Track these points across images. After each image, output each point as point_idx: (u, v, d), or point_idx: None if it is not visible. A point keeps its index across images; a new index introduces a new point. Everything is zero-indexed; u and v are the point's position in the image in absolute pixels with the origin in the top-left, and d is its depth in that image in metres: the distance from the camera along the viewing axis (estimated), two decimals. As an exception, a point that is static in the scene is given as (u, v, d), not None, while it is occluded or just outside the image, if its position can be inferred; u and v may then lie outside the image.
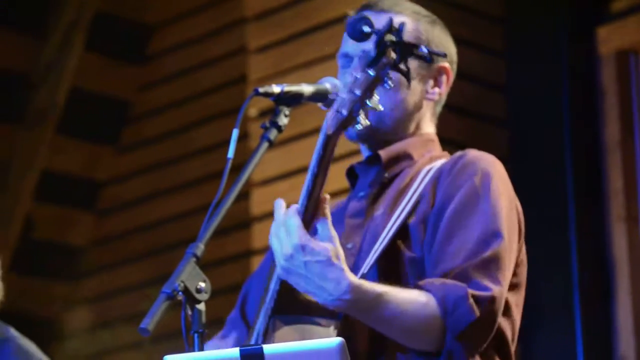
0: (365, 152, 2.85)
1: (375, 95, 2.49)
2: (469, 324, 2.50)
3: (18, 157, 6.95)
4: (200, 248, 2.50)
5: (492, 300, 2.54)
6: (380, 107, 2.50)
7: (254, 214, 5.71)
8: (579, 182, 5.14)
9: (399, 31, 2.48)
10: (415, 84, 2.77)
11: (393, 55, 2.48)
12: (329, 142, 2.53)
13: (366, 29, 2.51)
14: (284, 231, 2.48)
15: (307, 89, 2.72)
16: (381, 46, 2.48)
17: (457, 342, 2.51)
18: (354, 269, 2.64)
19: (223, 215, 2.56)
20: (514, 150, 5.21)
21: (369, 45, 2.51)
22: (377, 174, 2.76)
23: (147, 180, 7.10)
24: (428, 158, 2.79)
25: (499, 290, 2.56)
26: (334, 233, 2.49)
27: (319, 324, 2.55)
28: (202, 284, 2.45)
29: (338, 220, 2.72)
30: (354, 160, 2.94)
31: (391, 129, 2.78)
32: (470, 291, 2.52)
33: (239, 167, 2.60)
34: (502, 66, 5.38)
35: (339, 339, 2.29)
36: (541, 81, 5.30)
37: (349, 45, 2.80)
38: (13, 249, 6.91)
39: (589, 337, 5.02)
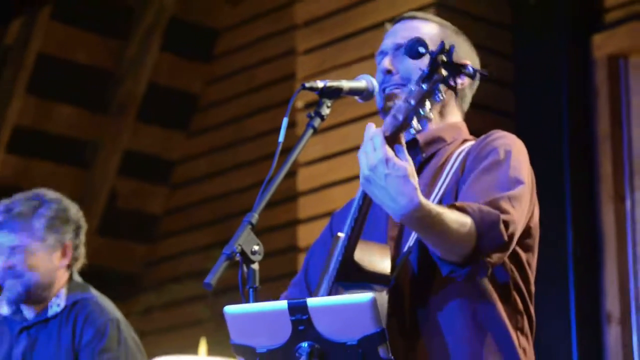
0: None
1: (427, 106, 2.48)
2: (498, 245, 2.50)
3: (105, 140, 6.98)
4: (255, 217, 2.49)
5: (514, 223, 2.52)
6: (431, 116, 2.49)
7: (299, 190, 5.71)
8: (574, 167, 5.11)
9: (449, 52, 2.47)
10: None
11: (444, 72, 2.47)
12: (386, 142, 2.51)
13: (422, 49, 2.49)
14: (371, 145, 2.45)
15: (346, 84, 2.71)
16: (434, 65, 2.46)
17: (483, 258, 2.49)
18: (397, 240, 2.64)
19: (274, 190, 2.55)
20: (519, 138, 5.19)
21: (419, 58, 2.51)
22: (415, 156, 2.74)
23: (212, 160, 7.11)
24: (460, 140, 2.77)
25: (519, 216, 2.55)
26: (409, 158, 2.46)
27: (374, 290, 2.54)
28: (256, 247, 2.45)
29: None
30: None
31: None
32: (502, 216, 2.51)
33: (287, 150, 2.60)
34: (511, 68, 5.36)
35: (371, 295, 2.29)
36: (544, 80, 5.27)
37: (385, 44, 2.80)
38: (100, 216, 6.95)
39: (581, 297, 5.01)
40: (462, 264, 2.50)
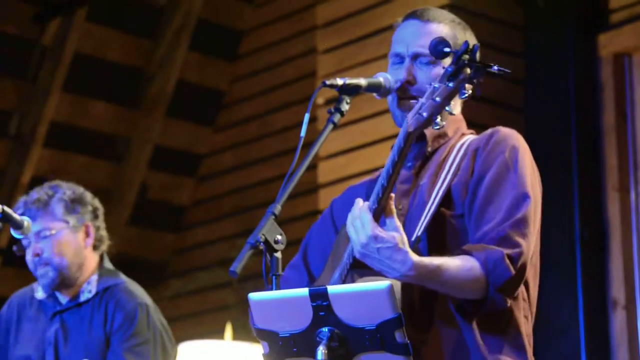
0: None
1: (452, 104, 2.46)
2: (507, 279, 2.51)
3: (136, 135, 6.98)
4: (278, 208, 2.48)
5: (522, 255, 2.53)
6: (455, 112, 2.48)
7: (320, 182, 5.70)
8: (581, 159, 5.10)
9: (473, 51, 2.45)
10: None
11: (469, 71, 2.44)
12: (409, 137, 2.50)
13: (446, 49, 2.47)
14: (359, 223, 2.46)
15: (364, 82, 2.69)
16: (459, 64, 2.44)
17: (497, 293, 2.52)
18: (404, 227, 2.62)
19: (296, 183, 2.54)
20: (529, 132, 5.17)
21: (444, 59, 2.48)
22: (420, 149, 2.72)
23: (237, 154, 7.11)
24: (460, 135, 2.76)
25: (527, 245, 2.55)
26: (399, 224, 2.47)
27: (387, 277, 2.54)
28: (279, 237, 2.44)
29: None
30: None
31: None
32: (506, 252, 2.51)
33: (308, 144, 2.57)
34: (522, 65, 5.34)
35: (388, 282, 2.28)
36: (553, 77, 5.25)
37: (400, 47, 2.76)
38: (132, 207, 6.95)
39: (588, 283, 4.99)
40: (481, 301, 2.53)
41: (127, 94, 6.94)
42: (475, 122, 3.01)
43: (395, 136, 2.56)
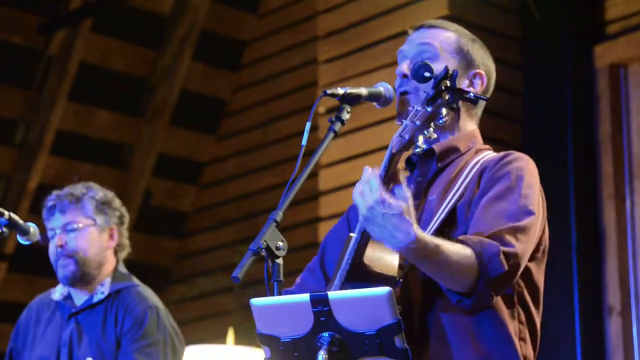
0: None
1: (431, 127, 2.46)
2: (499, 274, 2.47)
3: (140, 143, 6.98)
4: (279, 215, 2.48)
5: (516, 255, 2.49)
6: (434, 135, 2.47)
7: (321, 190, 5.69)
8: (578, 168, 5.09)
9: (452, 77, 2.45)
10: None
11: (447, 97, 2.45)
12: (393, 159, 2.48)
13: (427, 74, 2.49)
14: (367, 188, 2.43)
15: (364, 91, 2.69)
16: (438, 89, 2.45)
17: (486, 288, 2.47)
18: None
19: (297, 190, 2.53)
20: (527, 142, 5.18)
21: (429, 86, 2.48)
22: (431, 164, 2.71)
23: (239, 162, 7.11)
24: (474, 150, 2.73)
25: (522, 249, 2.51)
26: (409, 194, 2.44)
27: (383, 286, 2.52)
28: (281, 243, 2.43)
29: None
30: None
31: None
32: (502, 248, 2.47)
33: (310, 152, 2.57)
34: (519, 76, 5.34)
35: (388, 288, 2.27)
36: (550, 88, 5.26)
37: (405, 49, 2.76)
38: (136, 213, 6.95)
39: (584, 290, 4.98)
40: (467, 295, 2.48)
41: (131, 103, 6.95)
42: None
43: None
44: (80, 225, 3.87)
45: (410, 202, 2.43)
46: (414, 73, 2.50)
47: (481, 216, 2.55)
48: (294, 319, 2.32)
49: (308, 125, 2.60)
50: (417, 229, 2.40)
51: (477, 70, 2.75)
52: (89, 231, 3.88)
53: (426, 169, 2.70)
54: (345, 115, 2.66)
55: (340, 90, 2.65)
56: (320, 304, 2.29)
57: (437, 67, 2.59)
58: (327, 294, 2.29)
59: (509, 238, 2.50)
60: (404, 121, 2.49)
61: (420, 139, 2.46)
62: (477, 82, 2.75)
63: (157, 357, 3.77)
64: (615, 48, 5.19)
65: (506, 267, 2.47)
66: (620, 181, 5.08)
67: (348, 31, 5.65)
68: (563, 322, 4.92)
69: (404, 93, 2.70)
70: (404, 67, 2.72)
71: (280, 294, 2.40)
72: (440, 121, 2.46)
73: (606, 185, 5.09)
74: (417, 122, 2.45)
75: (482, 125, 2.83)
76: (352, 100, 2.66)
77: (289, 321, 2.33)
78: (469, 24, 5.21)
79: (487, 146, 2.76)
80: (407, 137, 2.45)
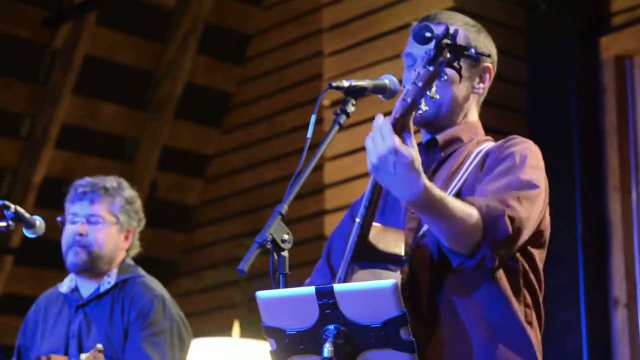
0: (424, 137, 2.80)
1: (433, 87, 2.45)
2: (503, 237, 2.47)
3: (145, 136, 6.98)
4: (285, 208, 2.47)
5: (520, 219, 2.49)
6: (437, 96, 2.46)
7: (326, 183, 5.70)
8: (583, 160, 5.09)
9: (453, 36, 2.45)
10: (465, 81, 2.72)
11: (448, 55, 2.44)
12: (396, 123, 2.48)
13: (427, 34, 2.47)
14: (379, 136, 2.43)
15: (369, 83, 2.68)
16: (439, 48, 2.44)
17: (489, 249, 2.46)
18: (415, 231, 2.61)
19: (302, 183, 2.53)
20: (532, 134, 5.17)
21: (430, 47, 2.48)
22: (434, 154, 2.71)
23: (245, 155, 7.11)
24: (475, 141, 2.74)
25: (527, 215, 2.51)
26: (415, 145, 2.43)
27: (388, 269, 2.52)
28: (286, 236, 2.43)
29: None
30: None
31: (446, 117, 2.73)
32: (507, 211, 2.47)
33: (315, 145, 2.57)
34: (524, 68, 5.33)
35: (393, 281, 2.27)
36: (555, 80, 5.25)
37: (413, 48, 2.75)
38: (141, 207, 6.95)
39: (590, 282, 4.98)
40: (470, 256, 2.47)
41: (136, 97, 6.95)
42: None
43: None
44: (105, 220, 3.92)
45: (417, 152, 2.43)
46: (414, 35, 2.49)
47: (485, 186, 2.56)
48: (299, 311, 2.32)
49: (313, 118, 2.59)
50: (425, 179, 2.41)
51: (486, 64, 2.76)
52: (110, 229, 3.93)
53: (429, 159, 2.71)
54: (350, 108, 2.65)
55: (345, 83, 2.65)
56: (325, 296, 2.29)
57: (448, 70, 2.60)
58: (332, 287, 2.29)
59: (514, 202, 2.50)
60: (406, 85, 2.49)
61: (423, 101, 2.45)
62: (486, 76, 2.77)
63: (164, 346, 3.79)
64: (621, 40, 5.18)
65: (511, 230, 2.47)
66: (626, 173, 5.07)
67: (353, 23, 5.65)
68: (569, 314, 4.92)
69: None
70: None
71: (285, 286, 2.40)
72: (442, 79, 2.44)
73: (612, 177, 5.08)
74: (419, 84, 2.44)
75: (487, 117, 2.83)
76: (357, 92, 2.66)
77: (295, 314, 2.33)
78: (473, 15, 5.20)
79: (488, 137, 2.77)
80: (409, 100, 2.45)
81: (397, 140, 2.40)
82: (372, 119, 6.09)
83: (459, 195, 2.59)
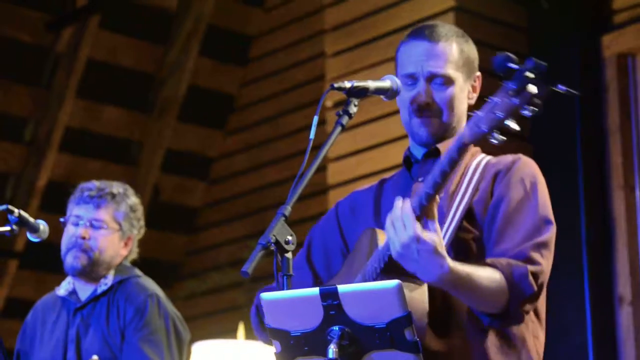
0: (420, 149, 2.78)
1: (511, 120, 2.35)
2: (529, 295, 2.52)
3: (148, 139, 6.99)
4: (288, 209, 2.47)
5: (543, 273, 2.55)
6: (517, 127, 2.35)
7: (329, 183, 5.69)
8: (586, 158, 5.08)
9: (540, 69, 2.34)
10: (463, 90, 2.72)
11: (533, 89, 2.33)
12: (464, 148, 2.43)
13: (512, 65, 2.35)
14: (400, 224, 2.44)
15: (372, 84, 2.68)
16: (524, 80, 2.33)
17: (517, 308, 2.53)
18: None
19: (305, 184, 2.53)
20: (535, 133, 5.16)
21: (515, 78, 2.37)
22: (433, 163, 2.70)
23: (248, 156, 7.11)
24: (472, 152, 2.74)
25: (547, 264, 2.57)
26: (438, 229, 2.45)
27: (415, 283, 2.54)
28: (290, 238, 2.43)
29: (401, 193, 2.68)
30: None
31: (450, 128, 2.73)
32: (530, 268, 2.52)
33: (318, 146, 2.57)
34: (526, 67, 5.32)
35: (397, 280, 2.27)
36: (558, 78, 5.22)
37: (413, 68, 2.73)
38: (145, 209, 6.92)
39: (594, 280, 4.98)
40: (499, 316, 2.53)
41: (139, 99, 6.95)
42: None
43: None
44: (109, 226, 3.92)
45: (441, 236, 2.44)
46: (497, 65, 2.37)
47: (504, 231, 2.59)
48: (303, 313, 2.32)
49: (316, 119, 2.59)
50: (449, 262, 2.44)
51: (477, 74, 2.77)
52: (113, 235, 3.93)
53: (428, 168, 2.67)
54: (353, 109, 2.64)
55: (348, 84, 2.64)
56: (329, 297, 2.28)
57: (450, 91, 2.65)
58: (336, 288, 2.29)
59: (535, 256, 2.55)
60: (477, 112, 2.40)
61: (497, 131, 2.35)
62: (477, 84, 2.77)
63: (161, 345, 3.79)
64: (623, 38, 5.18)
65: (535, 288, 2.53)
66: (630, 171, 5.07)
67: (355, 24, 5.65)
68: (574, 313, 4.92)
69: (428, 117, 2.70)
70: (424, 97, 2.70)
71: (289, 288, 2.40)
72: (527, 113, 2.33)
73: (615, 175, 5.08)
74: (500, 114, 2.34)
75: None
76: (360, 93, 2.65)
77: (299, 315, 2.32)
78: (474, 13, 5.22)
79: (476, 148, 2.77)
80: (484, 128, 2.37)
81: (418, 228, 2.41)
82: (375, 119, 6.09)
83: (471, 208, 2.61)
